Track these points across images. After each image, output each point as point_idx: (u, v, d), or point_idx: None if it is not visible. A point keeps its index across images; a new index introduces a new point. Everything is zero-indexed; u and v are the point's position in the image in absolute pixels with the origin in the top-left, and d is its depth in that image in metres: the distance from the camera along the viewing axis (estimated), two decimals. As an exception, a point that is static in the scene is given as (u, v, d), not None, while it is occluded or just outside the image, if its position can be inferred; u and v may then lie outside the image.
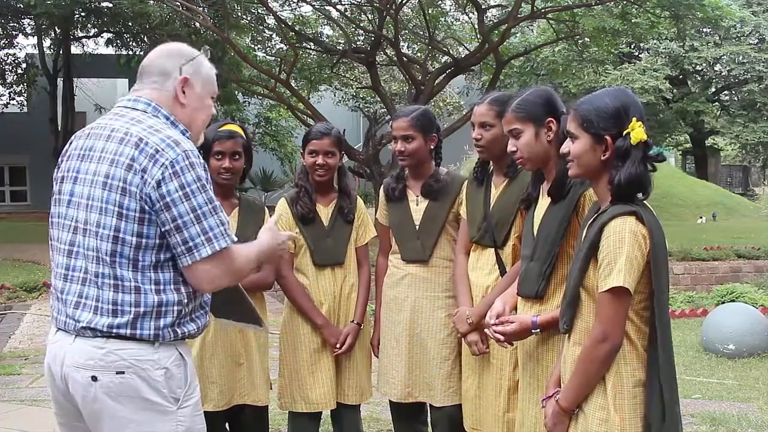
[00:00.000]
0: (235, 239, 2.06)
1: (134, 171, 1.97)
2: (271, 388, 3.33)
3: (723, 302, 8.33)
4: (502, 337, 2.54)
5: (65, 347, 2.04)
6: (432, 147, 3.25)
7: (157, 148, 1.97)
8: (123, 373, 1.97)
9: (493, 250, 2.95)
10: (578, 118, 2.14)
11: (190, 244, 1.95)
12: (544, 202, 2.62)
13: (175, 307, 2.01)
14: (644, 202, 2.10)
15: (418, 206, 3.26)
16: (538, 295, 2.54)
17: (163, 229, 1.97)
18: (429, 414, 3.33)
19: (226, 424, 3.32)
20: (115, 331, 1.97)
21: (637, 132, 2.05)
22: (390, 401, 3.34)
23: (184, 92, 2.13)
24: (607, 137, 2.08)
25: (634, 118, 2.07)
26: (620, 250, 1.99)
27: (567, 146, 2.18)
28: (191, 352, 2.17)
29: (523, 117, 2.57)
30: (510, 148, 2.63)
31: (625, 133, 2.07)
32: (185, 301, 2.04)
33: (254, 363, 3.21)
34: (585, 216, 2.32)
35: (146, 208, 1.96)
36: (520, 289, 2.63)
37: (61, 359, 2.04)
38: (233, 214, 3.23)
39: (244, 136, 3.21)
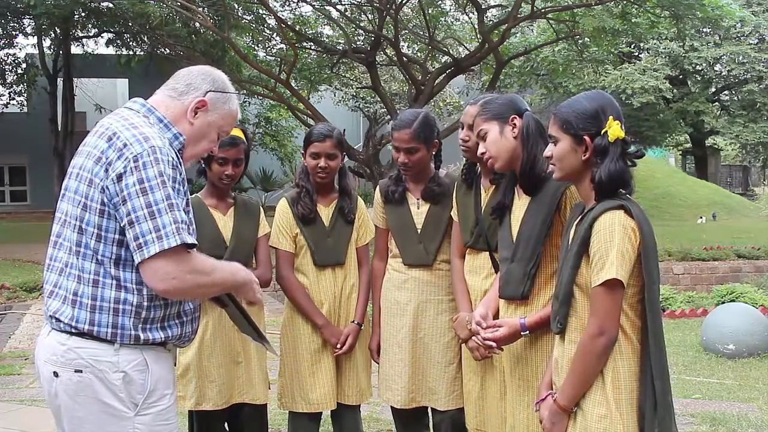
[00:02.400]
0: (195, 242, 1.98)
1: (101, 163, 1.96)
2: (270, 388, 3.34)
3: (723, 302, 8.33)
4: (493, 344, 2.54)
5: (41, 340, 2.07)
6: (434, 152, 3.24)
7: (126, 143, 1.95)
8: (81, 371, 1.97)
9: (488, 253, 2.93)
10: (558, 121, 2.21)
11: (140, 240, 1.89)
12: (520, 203, 2.64)
13: (133, 308, 1.98)
14: (628, 196, 2.14)
15: (419, 209, 3.23)
16: (524, 296, 2.56)
17: (121, 224, 1.95)
18: (431, 417, 3.32)
19: (225, 424, 3.32)
20: (74, 324, 1.97)
21: (614, 129, 2.12)
22: (392, 407, 3.31)
23: (195, 112, 2.11)
24: (586, 137, 2.14)
25: (611, 117, 2.13)
26: (611, 244, 2.03)
27: (550, 150, 2.24)
28: (168, 357, 2.12)
29: (488, 117, 2.67)
30: (480, 150, 2.68)
31: (603, 131, 2.13)
32: (146, 304, 2.00)
33: (252, 362, 3.22)
34: (569, 216, 2.36)
35: (105, 200, 1.95)
36: (502, 291, 2.64)
37: (38, 352, 2.08)
38: (229, 213, 3.25)
39: (245, 140, 3.22)
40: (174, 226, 1.90)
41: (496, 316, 2.67)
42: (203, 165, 3.20)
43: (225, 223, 3.23)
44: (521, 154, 2.58)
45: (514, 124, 2.61)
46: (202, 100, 2.11)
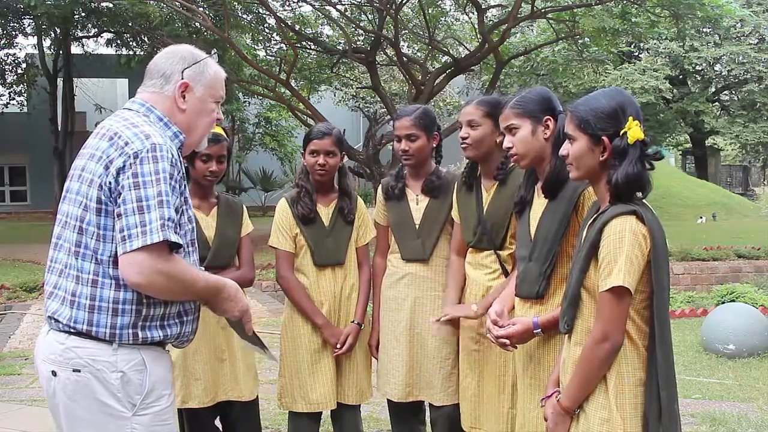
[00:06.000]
0: (180, 241, 1.97)
1: (102, 162, 1.97)
2: (259, 386, 3.33)
3: (723, 302, 8.32)
4: (507, 341, 2.53)
5: (40, 339, 2.08)
6: (434, 145, 3.26)
7: (128, 141, 1.97)
8: (79, 371, 1.97)
9: (492, 251, 2.95)
10: (575, 119, 2.15)
11: (125, 233, 1.90)
12: (540, 202, 2.62)
13: (134, 307, 1.99)
14: (644, 201, 2.11)
15: (418, 205, 3.26)
16: (539, 295, 2.54)
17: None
18: (428, 413, 3.33)
19: (217, 422, 3.32)
20: (73, 324, 1.98)
21: (634, 131, 2.06)
22: (388, 400, 3.34)
23: (184, 97, 2.12)
24: (605, 137, 2.09)
25: (631, 117, 2.08)
26: (620, 250, 2.00)
27: (566, 148, 2.19)
28: (167, 357, 2.12)
29: (521, 113, 2.59)
30: (506, 144, 2.63)
31: (622, 132, 2.08)
32: (146, 300, 2.00)
33: (236, 358, 3.22)
34: (585, 216, 2.33)
35: (103, 198, 1.95)
36: (519, 289, 2.63)
37: (37, 351, 2.09)
38: (212, 213, 3.26)
39: (227, 138, 3.24)
40: (160, 222, 1.91)
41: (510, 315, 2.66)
42: (185, 164, 3.21)
43: (208, 223, 3.23)
44: (549, 157, 2.54)
45: (547, 125, 2.56)
46: (183, 82, 2.12)
